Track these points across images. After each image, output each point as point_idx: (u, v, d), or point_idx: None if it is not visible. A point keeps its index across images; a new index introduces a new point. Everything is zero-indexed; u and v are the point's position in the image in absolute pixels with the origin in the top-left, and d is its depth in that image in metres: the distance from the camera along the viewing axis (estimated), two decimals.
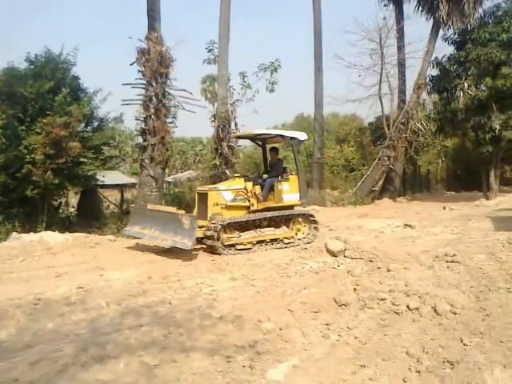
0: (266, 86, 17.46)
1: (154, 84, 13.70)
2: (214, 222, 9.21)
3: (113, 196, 21.22)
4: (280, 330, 5.00)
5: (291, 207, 10.47)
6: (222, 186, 10.34)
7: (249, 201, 9.95)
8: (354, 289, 6.24)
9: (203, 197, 9.90)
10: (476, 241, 9.65)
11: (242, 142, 17.29)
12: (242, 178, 10.48)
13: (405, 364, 4.15)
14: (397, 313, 5.34)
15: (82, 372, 4.05)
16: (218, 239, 9.12)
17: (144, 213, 10.42)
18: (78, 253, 9.66)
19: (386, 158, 23.05)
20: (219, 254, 9.06)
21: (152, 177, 13.53)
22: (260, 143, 11.90)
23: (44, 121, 12.51)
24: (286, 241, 10.05)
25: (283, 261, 8.25)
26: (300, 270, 7.63)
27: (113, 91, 15.03)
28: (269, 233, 9.88)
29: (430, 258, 7.81)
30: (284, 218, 10.20)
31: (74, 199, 17.38)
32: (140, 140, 14.36)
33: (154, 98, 13.68)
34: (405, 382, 3.83)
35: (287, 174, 10.58)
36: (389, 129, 23.39)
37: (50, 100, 13.11)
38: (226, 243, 9.27)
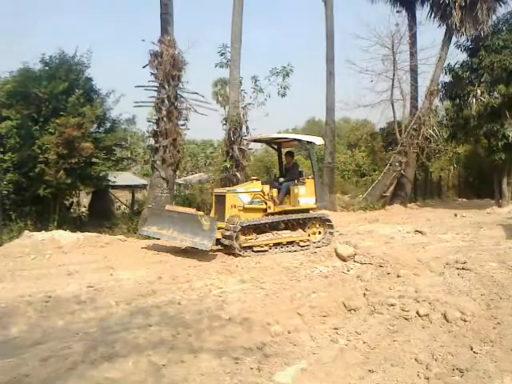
0: (277, 90, 17.46)
1: (167, 86, 13.77)
2: (232, 223, 9.29)
3: (124, 197, 21.31)
4: (288, 333, 5.01)
5: (307, 210, 10.51)
6: (239, 188, 10.43)
7: (266, 203, 10.03)
8: (364, 294, 6.23)
9: (221, 199, 10.00)
10: (487, 248, 9.57)
11: (252, 145, 17.30)
12: (260, 181, 10.54)
13: (413, 370, 4.13)
14: (406, 319, 5.32)
15: (91, 370, 4.08)
16: (236, 241, 9.19)
17: (162, 213, 10.58)
18: (88, 252, 9.74)
19: (397, 164, 22.93)
20: (236, 256, 9.12)
21: (163, 178, 13.58)
22: (276, 147, 11.97)
23: (57, 121, 12.65)
24: (301, 244, 10.11)
25: (293, 264, 8.25)
26: (309, 273, 7.62)
27: (126, 93, 15.15)
28: (285, 235, 9.98)
29: (441, 264, 7.77)
30: (300, 221, 10.25)
31: (85, 199, 17.51)
32: (152, 142, 14.40)
33: (166, 101, 13.74)
34: None
35: (303, 177, 10.63)
36: (400, 134, 23.27)
37: (63, 101, 13.26)
38: (244, 245, 9.36)
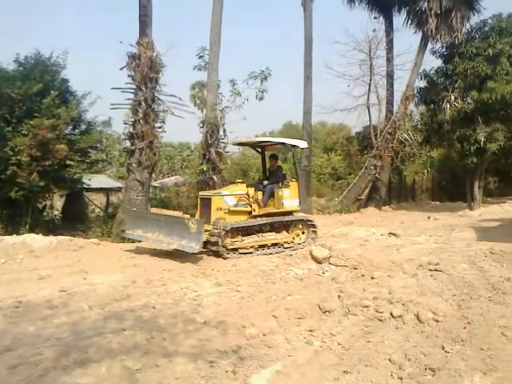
0: (255, 93, 17.49)
1: (144, 89, 13.68)
2: (218, 226, 9.35)
3: (98, 200, 21.05)
4: (264, 335, 5.01)
5: (291, 213, 10.67)
6: (225, 191, 10.48)
7: (250, 206, 10.12)
8: (338, 296, 6.28)
9: (206, 202, 10.06)
10: (459, 250, 9.76)
11: (229, 148, 17.32)
12: (244, 184, 10.60)
13: (387, 370, 4.17)
14: (380, 320, 5.38)
15: (63, 376, 4.01)
16: (222, 243, 9.26)
17: (147, 216, 10.64)
18: (61, 256, 9.56)
19: (372, 167, 23.21)
20: (223, 258, 9.18)
21: (139, 181, 13.46)
22: (259, 150, 12.07)
23: (31, 123, 12.41)
24: (286, 245, 10.29)
25: (268, 267, 8.25)
26: (285, 276, 7.64)
27: (102, 95, 14.98)
28: (270, 237, 10.12)
29: (414, 266, 7.89)
30: (285, 223, 10.43)
31: (59, 202, 17.19)
32: (128, 144, 14.27)
33: (143, 103, 13.64)
34: None
35: (287, 180, 10.80)
36: (376, 138, 23.57)
37: (37, 102, 13.02)
38: (230, 247, 9.43)
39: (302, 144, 11.44)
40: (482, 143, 20.72)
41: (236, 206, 10.03)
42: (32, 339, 4.86)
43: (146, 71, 13.55)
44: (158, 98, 14.11)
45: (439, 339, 4.74)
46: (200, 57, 17.30)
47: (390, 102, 24.44)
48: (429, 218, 18.53)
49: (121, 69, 13.89)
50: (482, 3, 22.69)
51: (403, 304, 5.67)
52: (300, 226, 10.77)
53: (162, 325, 5.28)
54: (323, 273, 7.74)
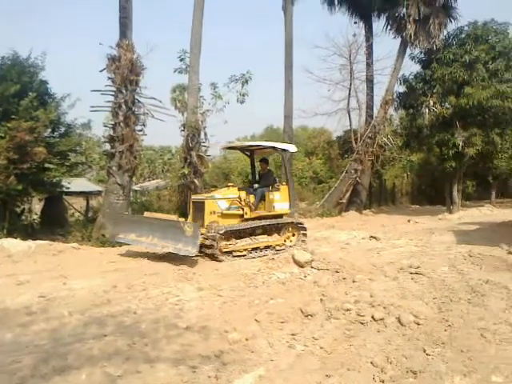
0: (236, 97, 17.50)
1: (124, 91, 13.57)
2: (213, 229, 9.38)
3: (78, 203, 20.81)
4: (246, 340, 4.99)
5: (281, 216, 10.80)
6: (217, 194, 10.48)
7: (242, 209, 10.19)
8: (321, 299, 6.30)
9: (200, 205, 10.06)
10: (439, 253, 9.89)
11: (211, 151, 17.34)
12: (236, 187, 10.72)
13: (369, 374, 4.19)
14: (362, 323, 5.41)
15: None
16: (217, 246, 9.32)
17: (140, 220, 10.57)
18: (40, 261, 9.40)
19: (353, 171, 23.41)
20: (218, 261, 9.24)
21: (119, 185, 13.32)
22: (248, 154, 12.13)
23: (8, 125, 12.20)
24: (277, 248, 10.43)
25: (250, 271, 8.24)
26: (267, 280, 7.63)
27: (81, 97, 14.81)
28: (262, 240, 10.25)
29: (395, 269, 7.96)
30: (276, 226, 10.57)
31: (37, 206, 16.94)
32: (108, 147, 14.14)
33: (124, 106, 13.52)
34: None
35: (278, 184, 10.95)
36: (356, 143, 23.78)
37: (15, 104, 12.81)
38: (224, 250, 9.49)
39: (292, 148, 11.59)
40: (460, 148, 21.10)
41: (228, 209, 10.09)
42: (10, 347, 4.76)
43: (126, 73, 13.44)
44: (139, 101, 14.01)
45: (420, 342, 4.79)
46: (181, 60, 17.27)
47: (369, 107, 24.70)
48: (409, 221, 18.76)
49: (101, 71, 13.76)
50: (458, 11, 23.21)
51: (384, 307, 5.71)
52: (290, 229, 10.93)
53: (144, 330, 5.22)
54: (305, 276, 7.75)
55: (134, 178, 16.05)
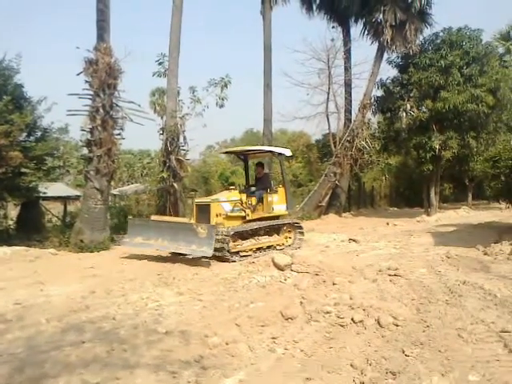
0: (215, 101, 17.48)
1: (102, 95, 13.38)
2: (221, 231, 9.66)
3: (56, 208, 20.45)
4: (226, 344, 4.96)
5: (278, 217, 11.34)
6: (221, 197, 10.82)
7: (244, 211, 10.55)
8: (301, 302, 6.30)
9: (205, 208, 10.40)
10: (417, 255, 10.03)
11: (190, 155, 17.28)
12: (237, 190, 11.16)
13: (349, 376, 4.21)
14: (342, 325, 5.44)
15: None
16: (227, 248, 9.67)
17: (147, 224, 10.93)
18: (16, 267, 9.24)
19: (332, 175, 23.58)
20: (229, 262, 9.53)
21: (97, 189, 13.12)
22: (242, 158, 12.73)
23: None
24: (278, 247, 10.94)
25: (230, 275, 8.21)
26: (247, 283, 7.61)
27: (58, 101, 14.59)
28: (265, 240, 10.75)
29: (374, 271, 8.03)
30: (276, 226, 11.14)
31: (13, 211, 16.61)
32: (85, 151, 13.93)
33: (101, 109, 13.34)
34: None
35: (276, 186, 11.63)
36: (335, 146, 23.97)
37: None
38: (232, 250, 9.84)
39: (288, 152, 12.13)
40: (437, 151, 21.46)
41: (232, 211, 10.43)
42: None
43: (103, 77, 13.26)
44: (117, 105, 13.84)
45: (399, 343, 4.83)
46: (160, 63, 17.20)
47: (348, 111, 24.93)
48: (387, 223, 18.98)
49: (78, 74, 13.56)
50: (433, 17, 23.65)
51: (364, 309, 5.75)
52: (289, 229, 11.51)
53: (123, 336, 5.16)
54: (285, 280, 7.75)
55: (112, 183, 15.82)
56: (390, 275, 7.65)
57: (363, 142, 23.64)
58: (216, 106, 17.59)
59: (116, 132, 13.76)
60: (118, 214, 17.05)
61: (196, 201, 11.23)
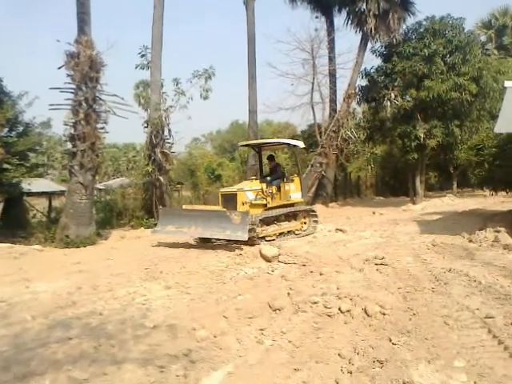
0: (200, 92, 17.39)
1: (84, 88, 13.20)
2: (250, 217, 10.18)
3: (40, 204, 20.26)
4: (214, 337, 4.96)
5: (293, 204, 12.08)
6: (245, 186, 11.61)
7: (265, 199, 11.30)
8: (288, 293, 6.32)
9: (231, 197, 11.13)
10: (403, 244, 10.11)
11: (175, 148, 17.21)
12: (258, 180, 11.95)
13: (337, 365, 4.23)
14: (329, 315, 5.46)
15: None
16: (256, 232, 10.37)
17: (178, 213, 11.60)
18: (0, 264, 9.14)
19: (318, 165, 23.64)
20: (256, 244, 9.99)
21: (82, 184, 12.97)
22: (257, 150, 13.70)
23: None
24: (296, 232, 11.96)
25: (218, 267, 8.21)
26: (235, 276, 7.62)
27: (40, 95, 14.40)
28: (286, 226, 11.72)
29: (361, 261, 8.09)
30: (295, 213, 12.04)
31: None
32: (69, 146, 13.77)
33: (84, 103, 13.17)
34: (337, 383, 3.90)
35: (291, 176, 12.51)
36: (321, 136, 24.02)
37: None
38: (260, 235, 10.60)
39: (301, 144, 13.14)
40: (421, 139, 21.61)
41: (255, 199, 11.25)
42: None
43: (85, 70, 13.07)
44: (100, 98, 13.67)
45: (386, 332, 4.86)
46: (142, 55, 17.03)
47: (333, 101, 24.97)
48: (374, 213, 19.10)
49: (59, 68, 13.36)
50: (416, 6, 23.73)
51: (351, 299, 5.78)
52: (304, 216, 12.35)
53: (110, 331, 5.12)
54: (273, 271, 7.77)
55: (97, 177, 15.71)
56: (376, 264, 7.72)
57: (348, 132, 23.71)
58: (200, 98, 17.51)
59: (99, 126, 13.61)
60: (104, 209, 16.95)
61: (221, 190, 12.00)
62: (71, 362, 4.33)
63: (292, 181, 12.16)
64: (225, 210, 10.65)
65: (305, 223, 12.39)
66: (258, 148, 13.58)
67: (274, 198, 11.50)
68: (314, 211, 12.76)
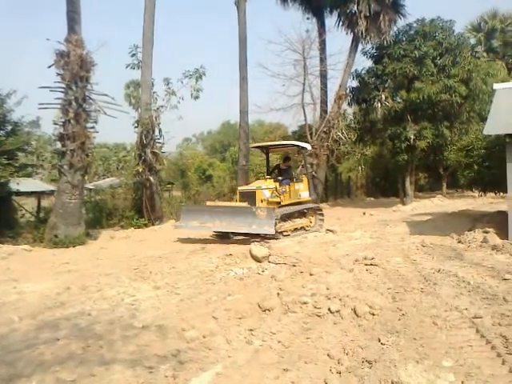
0: (190, 92, 17.35)
1: (74, 88, 13.11)
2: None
3: (30, 204, 20.05)
4: (204, 337, 4.94)
5: (301, 202, 12.73)
6: (262, 185, 12.25)
7: (279, 197, 11.93)
8: (278, 293, 6.31)
9: (250, 194, 11.86)
10: (393, 244, 10.14)
11: (166, 148, 17.17)
12: (272, 179, 12.48)
13: (326, 366, 4.23)
14: (319, 316, 5.46)
15: None
16: (276, 227, 10.86)
17: (201, 209, 12.50)
18: None
19: (309, 166, 23.65)
20: (275, 239, 10.78)
21: (71, 184, 12.87)
22: (265, 151, 14.33)
23: None
24: (306, 228, 12.70)
25: (208, 267, 8.18)
26: (225, 276, 7.60)
27: (29, 94, 14.27)
28: (298, 222, 12.46)
29: (351, 261, 8.10)
30: (305, 211, 12.69)
31: None
32: (59, 145, 13.66)
33: (74, 102, 13.07)
34: (326, 383, 3.90)
35: (297, 176, 13.06)
36: (311, 137, 24.03)
37: None
38: (279, 230, 11.22)
39: (309, 146, 14.40)
40: (411, 141, 21.73)
41: (271, 197, 11.87)
42: None
43: (75, 69, 12.98)
44: (90, 98, 13.58)
45: (375, 332, 4.88)
46: (133, 55, 16.97)
47: (324, 102, 24.99)
48: (364, 213, 19.16)
49: (49, 67, 13.26)
50: (407, 8, 23.87)
51: (340, 299, 5.79)
52: (312, 213, 13.02)
53: (99, 332, 5.09)
54: (263, 271, 7.77)
55: (87, 177, 15.59)
56: (366, 265, 7.73)
57: (339, 133, 23.76)
58: (191, 98, 17.48)
59: (89, 125, 13.54)
60: (94, 209, 16.84)
61: (239, 189, 12.82)
62: (59, 362, 4.30)
63: (301, 181, 12.92)
64: (249, 206, 11.33)
65: (311, 220, 13.03)
66: (266, 149, 14.23)
67: (286, 196, 12.15)
68: (320, 209, 13.47)
